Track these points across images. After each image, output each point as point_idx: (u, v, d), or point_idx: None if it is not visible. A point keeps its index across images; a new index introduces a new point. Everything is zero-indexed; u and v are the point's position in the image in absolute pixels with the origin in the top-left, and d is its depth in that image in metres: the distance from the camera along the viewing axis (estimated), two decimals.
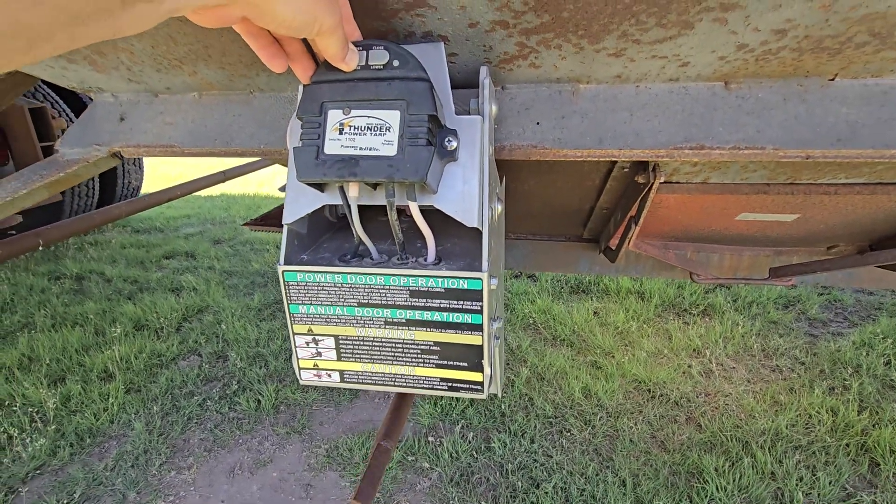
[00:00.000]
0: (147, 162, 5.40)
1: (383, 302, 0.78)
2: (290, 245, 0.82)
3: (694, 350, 2.59)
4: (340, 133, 0.71)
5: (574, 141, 0.88)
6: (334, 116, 0.72)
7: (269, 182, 7.25)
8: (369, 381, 0.84)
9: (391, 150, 0.69)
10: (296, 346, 0.84)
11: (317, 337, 0.83)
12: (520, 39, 0.76)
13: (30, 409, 2.21)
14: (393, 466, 1.86)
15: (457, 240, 0.87)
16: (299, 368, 0.86)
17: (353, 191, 0.73)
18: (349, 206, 0.75)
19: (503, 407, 2.15)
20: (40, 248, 2.17)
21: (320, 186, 0.77)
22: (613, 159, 0.91)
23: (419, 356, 0.80)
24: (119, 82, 1.06)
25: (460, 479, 1.81)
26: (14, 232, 4.01)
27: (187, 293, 3.42)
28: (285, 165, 1.36)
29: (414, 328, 0.78)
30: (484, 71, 0.78)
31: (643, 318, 2.91)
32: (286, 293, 0.81)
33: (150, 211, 5.55)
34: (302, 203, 0.79)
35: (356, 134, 0.71)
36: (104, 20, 0.35)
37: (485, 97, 0.77)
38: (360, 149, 0.70)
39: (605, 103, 0.88)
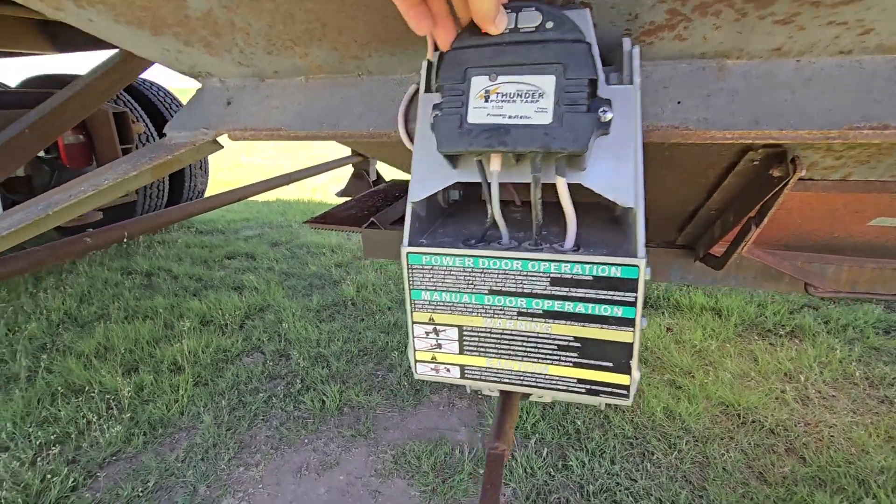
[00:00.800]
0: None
1: (519, 290, 0.70)
2: (413, 226, 0.76)
3: (785, 374, 2.36)
4: (486, 101, 0.65)
5: (723, 121, 0.79)
6: (479, 83, 0.66)
7: (322, 189, 7.42)
8: (494, 379, 0.76)
9: (545, 118, 0.62)
10: (413, 337, 0.78)
11: (438, 327, 0.77)
12: (673, 6, 0.68)
13: (106, 396, 2.28)
14: (464, 478, 1.77)
15: (583, 229, 0.79)
16: (415, 361, 0.80)
17: (494, 164, 0.67)
18: (488, 183, 0.69)
19: (577, 423, 2.02)
20: (124, 242, 2.26)
21: (454, 161, 0.72)
22: (771, 142, 0.80)
23: (555, 353, 0.71)
24: (229, 66, 1.06)
25: (537, 497, 1.69)
26: (93, 230, 4.26)
27: (249, 292, 3.49)
28: (394, 150, 1.31)
29: (552, 320, 0.70)
30: (628, 42, 0.70)
31: (722, 336, 2.70)
32: (408, 277, 0.76)
33: (211, 214, 5.77)
34: (430, 181, 0.74)
35: (504, 101, 0.64)
36: None
37: (634, 67, 0.69)
38: (509, 117, 0.64)
39: (759, 80, 0.78)
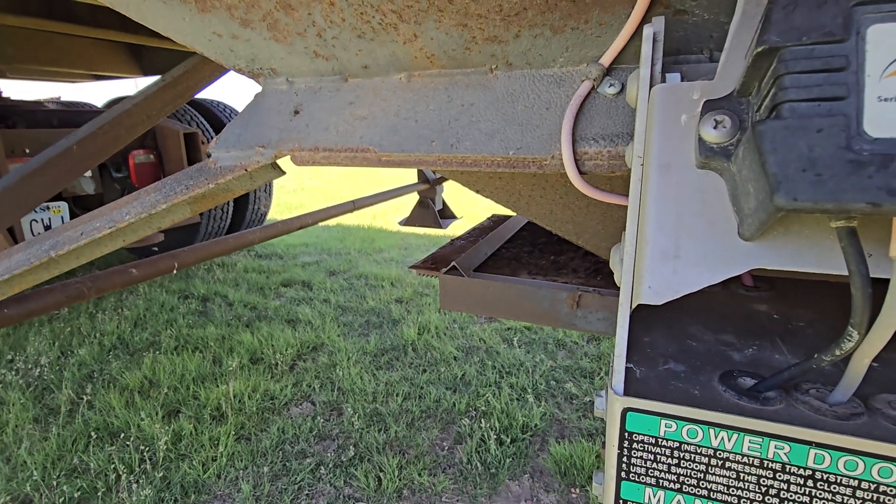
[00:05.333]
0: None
1: None
2: (631, 356, 0.38)
3: None
4: None
5: None
6: (893, 40, 0.28)
7: (382, 215, 7.26)
8: None
9: None
10: None
11: None
12: None
13: (141, 446, 2.03)
14: None
15: None
16: None
17: None
18: (869, 290, 0.29)
19: None
20: (174, 271, 2.04)
21: (755, 226, 0.33)
22: None
23: None
24: (300, 58, 0.74)
25: None
26: (157, 249, 4.22)
27: (303, 327, 3.23)
28: (545, 189, 0.93)
29: None
30: None
31: None
32: (620, 456, 0.37)
33: None
34: (696, 267, 0.35)
35: None
36: None
37: None
38: None
39: None
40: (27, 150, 3.13)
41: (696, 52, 0.54)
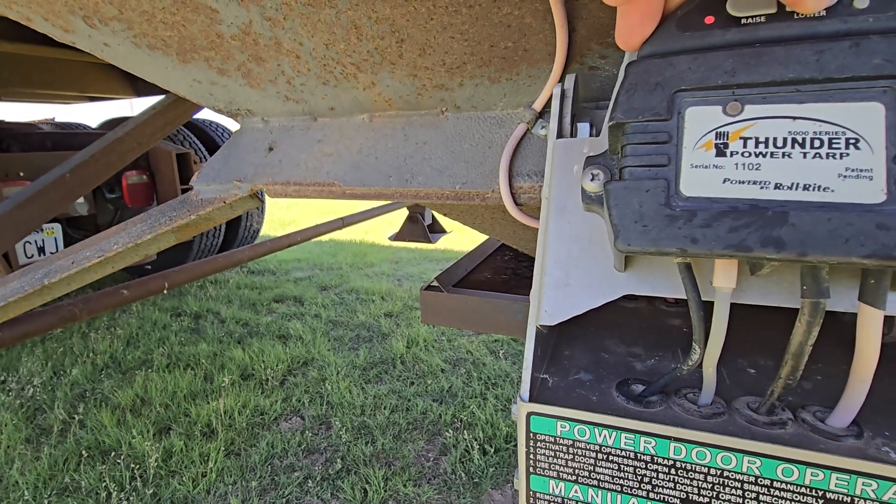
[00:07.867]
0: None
1: None
2: (538, 363, 0.45)
3: None
4: (723, 154, 0.34)
5: None
6: (702, 120, 0.35)
7: (374, 230, 7.33)
8: None
9: (870, 193, 0.30)
10: None
11: None
12: None
13: (132, 464, 2.06)
14: None
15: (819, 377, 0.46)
16: None
17: (723, 276, 0.35)
18: (702, 312, 0.37)
19: None
20: (165, 291, 2.10)
21: (626, 261, 0.41)
22: None
23: None
24: (273, 101, 0.82)
25: None
26: (150, 267, 4.27)
27: (293, 342, 3.28)
28: (494, 220, 1.01)
29: None
30: None
31: None
32: (528, 454, 0.44)
33: None
34: (576, 292, 0.43)
35: (765, 155, 0.33)
36: None
37: None
38: (779, 187, 0.33)
39: None
40: (21, 174, 3.19)
41: (608, 100, 0.62)
